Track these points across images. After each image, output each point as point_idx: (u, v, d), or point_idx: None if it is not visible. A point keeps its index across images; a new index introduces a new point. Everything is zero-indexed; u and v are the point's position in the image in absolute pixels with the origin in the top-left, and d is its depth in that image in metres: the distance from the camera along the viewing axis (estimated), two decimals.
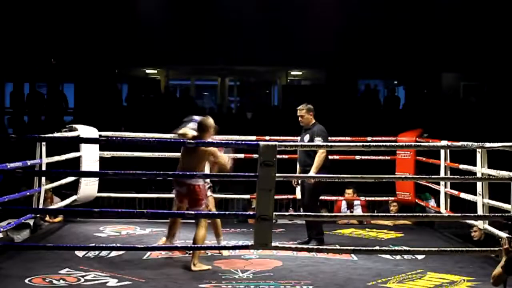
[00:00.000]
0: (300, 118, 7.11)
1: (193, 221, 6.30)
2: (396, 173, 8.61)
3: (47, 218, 8.27)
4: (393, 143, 8.28)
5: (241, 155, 8.73)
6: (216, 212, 6.12)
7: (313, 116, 7.10)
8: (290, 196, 8.55)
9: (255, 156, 5.44)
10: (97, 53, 16.47)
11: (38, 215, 7.84)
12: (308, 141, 6.95)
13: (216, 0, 16.62)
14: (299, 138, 7.32)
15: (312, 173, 6.76)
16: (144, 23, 15.93)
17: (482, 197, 6.53)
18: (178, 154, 8.70)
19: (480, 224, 6.76)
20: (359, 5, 15.96)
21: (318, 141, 6.85)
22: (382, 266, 6.10)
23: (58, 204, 8.06)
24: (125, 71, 18.60)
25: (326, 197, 8.71)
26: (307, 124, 7.09)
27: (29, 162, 6.51)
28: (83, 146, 7.99)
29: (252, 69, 18.81)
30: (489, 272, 5.82)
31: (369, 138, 8.51)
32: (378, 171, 6.59)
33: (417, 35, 16.34)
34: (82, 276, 5.51)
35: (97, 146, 8.21)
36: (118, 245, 6.53)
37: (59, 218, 8.29)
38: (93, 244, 6.64)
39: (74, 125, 8.10)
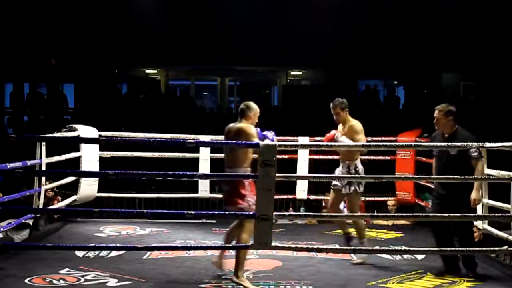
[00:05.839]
0: (435, 121, 5.90)
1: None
2: (396, 173, 8.62)
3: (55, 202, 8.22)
4: (393, 143, 8.28)
5: None
6: (216, 212, 6.08)
7: (454, 119, 5.84)
8: (290, 196, 8.54)
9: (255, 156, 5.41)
10: (97, 53, 16.49)
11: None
12: (460, 153, 5.70)
13: (216, 0, 16.63)
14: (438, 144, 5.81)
15: (474, 195, 5.67)
16: (144, 23, 15.94)
17: (482, 197, 6.53)
18: (177, 154, 8.81)
19: (479, 224, 6.76)
20: (359, 6, 15.98)
21: (475, 154, 5.69)
22: (382, 266, 6.10)
23: (59, 203, 8.07)
24: (125, 71, 18.61)
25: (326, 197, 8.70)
26: (444, 129, 5.91)
27: (29, 162, 6.50)
28: (83, 146, 8.00)
29: (252, 69, 18.82)
30: (489, 272, 5.84)
31: (369, 138, 8.49)
32: (378, 171, 6.58)
33: (417, 35, 16.35)
34: (82, 276, 5.51)
35: (97, 146, 8.21)
36: (118, 245, 6.52)
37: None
38: (93, 244, 6.63)
39: (74, 125, 8.10)
